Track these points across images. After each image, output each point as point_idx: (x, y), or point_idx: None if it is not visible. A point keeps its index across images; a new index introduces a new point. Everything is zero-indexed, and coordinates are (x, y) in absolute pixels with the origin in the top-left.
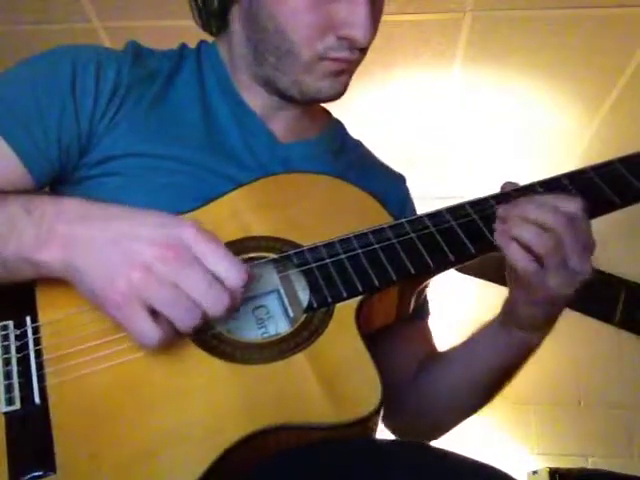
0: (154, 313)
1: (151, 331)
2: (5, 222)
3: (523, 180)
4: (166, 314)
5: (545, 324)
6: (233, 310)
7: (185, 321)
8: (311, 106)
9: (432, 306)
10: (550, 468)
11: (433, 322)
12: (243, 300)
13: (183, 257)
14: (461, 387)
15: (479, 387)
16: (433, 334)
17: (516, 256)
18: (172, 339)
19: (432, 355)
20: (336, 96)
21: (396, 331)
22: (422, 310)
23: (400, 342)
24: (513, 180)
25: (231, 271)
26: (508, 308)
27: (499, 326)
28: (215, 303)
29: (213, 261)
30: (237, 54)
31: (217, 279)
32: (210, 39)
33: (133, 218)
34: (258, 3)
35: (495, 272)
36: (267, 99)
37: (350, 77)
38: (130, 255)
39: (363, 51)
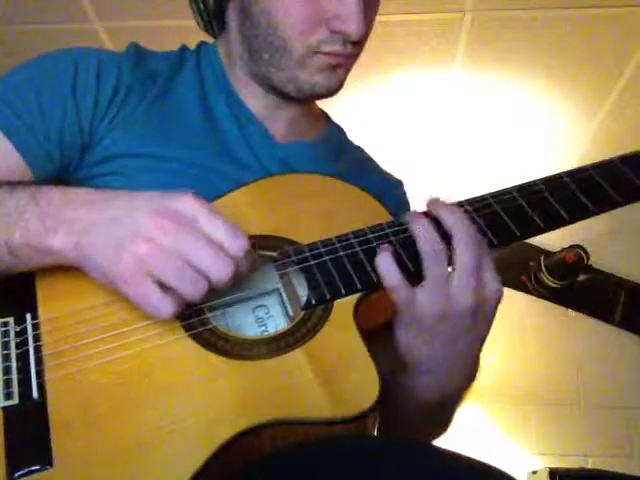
0: (162, 285)
1: (163, 302)
2: (13, 211)
3: (522, 180)
4: (173, 285)
5: (426, 362)
6: (236, 279)
7: (192, 292)
8: (309, 105)
9: None
10: (550, 468)
11: None
12: (248, 268)
13: (184, 227)
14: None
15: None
16: None
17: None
18: (182, 308)
19: None
20: (332, 91)
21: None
22: None
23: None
24: (512, 180)
25: (232, 238)
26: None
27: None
28: (220, 271)
29: (214, 229)
30: (234, 53)
31: (221, 247)
32: (211, 39)
33: (132, 196)
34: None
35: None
36: (265, 99)
37: (346, 72)
38: (132, 230)
39: (358, 45)
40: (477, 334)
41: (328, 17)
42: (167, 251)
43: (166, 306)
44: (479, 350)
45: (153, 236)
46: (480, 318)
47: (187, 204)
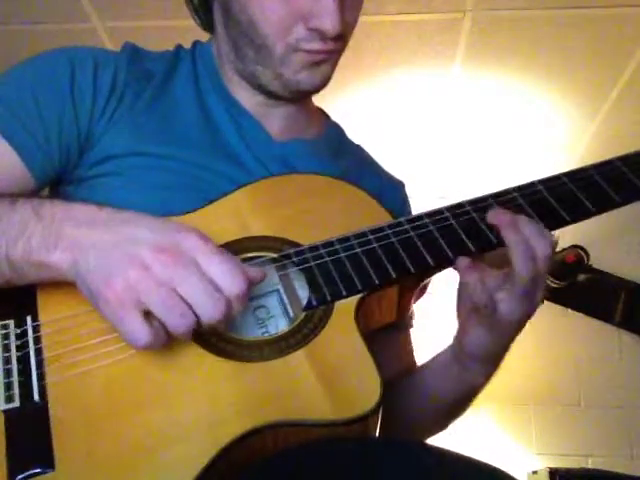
0: (146, 314)
1: (141, 332)
2: (15, 225)
3: (522, 180)
4: (159, 316)
5: (492, 356)
6: (231, 317)
7: (178, 325)
8: (305, 103)
9: (432, 308)
10: (550, 468)
11: (434, 324)
12: (244, 307)
13: (182, 262)
14: (416, 413)
15: (431, 415)
16: (414, 346)
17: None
18: (163, 341)
19: (406, 371)
20: (317, 87)
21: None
22: (403, 322)
23: (385, 344)
24: (512, 180)
25: (230, 279)
26: (460, 335)
27: (451, 356)
28: (209, 309)
29: (213, 269)
30: (223, 52)
31: (215, 286)
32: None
33: (137, 223)
34: None
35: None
36: (257, 97)
37: (331, 67)
38: (130, 256)
39: (339, 40)
40: None
41: (305, 14)
42: (159, 281)
43: (141, 335)
44: None
45: (149, 265)
46: None
47: (191, 241)
